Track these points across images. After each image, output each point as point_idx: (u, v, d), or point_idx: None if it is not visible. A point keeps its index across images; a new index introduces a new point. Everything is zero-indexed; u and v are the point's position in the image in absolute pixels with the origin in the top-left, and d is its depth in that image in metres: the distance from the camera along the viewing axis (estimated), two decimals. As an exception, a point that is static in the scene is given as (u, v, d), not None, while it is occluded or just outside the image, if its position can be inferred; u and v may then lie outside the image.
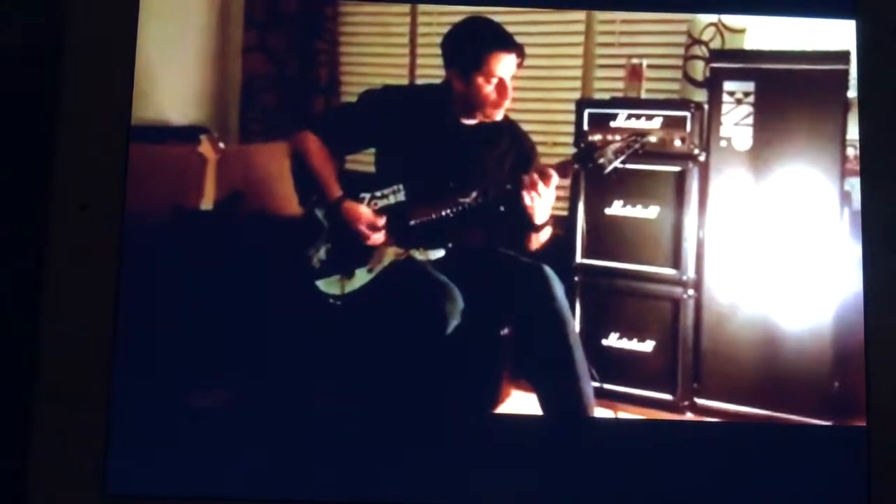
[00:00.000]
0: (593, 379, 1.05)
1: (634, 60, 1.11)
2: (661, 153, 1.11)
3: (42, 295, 0.95)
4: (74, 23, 0.99)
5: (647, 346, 1.10)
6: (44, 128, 0.98)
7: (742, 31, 1.10)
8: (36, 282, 0.96)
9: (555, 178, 1.10)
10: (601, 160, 1.09)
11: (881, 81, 1.03)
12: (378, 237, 1.11)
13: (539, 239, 1.12)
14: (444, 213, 1.11)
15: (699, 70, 1.11)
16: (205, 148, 1.06)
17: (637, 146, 1.09)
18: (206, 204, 1.05)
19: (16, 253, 1.00)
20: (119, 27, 1.00)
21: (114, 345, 0.96)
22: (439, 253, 1.10)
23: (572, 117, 1.13)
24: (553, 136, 1.14)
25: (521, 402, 1.05)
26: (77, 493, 0.94)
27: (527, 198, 1.10)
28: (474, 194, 1.10)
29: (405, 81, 1.12)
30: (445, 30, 1.09)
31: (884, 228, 0.99)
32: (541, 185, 1.09)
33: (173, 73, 1.05)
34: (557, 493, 0.97)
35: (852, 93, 1.05)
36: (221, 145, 1.06)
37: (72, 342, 0.95)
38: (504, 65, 1.10)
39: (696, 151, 1.11)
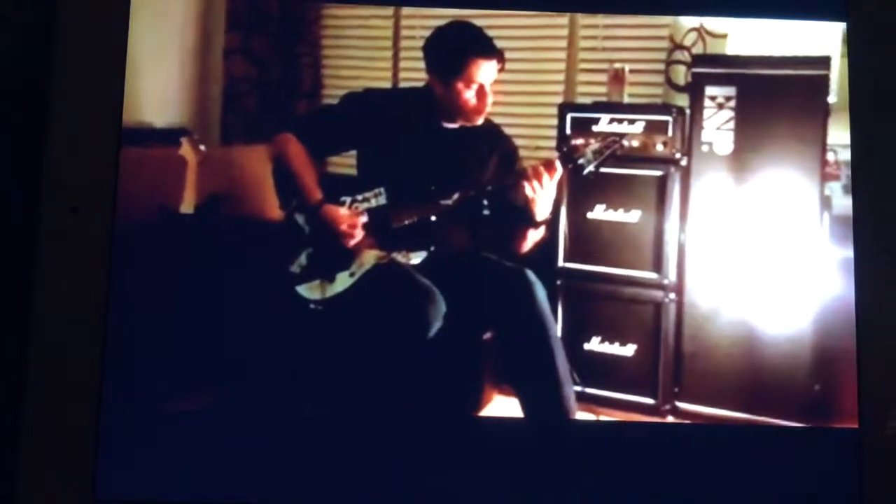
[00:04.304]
0: (575, 383, 1.05)
1: (617, 65, 1.11)
2: (642, 157, 1.12)
3: (32, 298, 0.95)
4: (64, 25, 0.99)
5: (629, 349, 1.10)
6: (34, 130, 0.98)
7: (724, 36, 1.10)
8: (26, 284, 0.96)
9: (559, 171, 1.09)
10: (581, 160, 1.09)
11: (871, 83, 1.03)
12: (359, 240, 1.10)
13: (534, 238, 1.11)
14: (425, 216, 1.10)
15: (681, 75, 1.12)
16: (185, 150, 1.06)
17: (616, 147, 1.09)
18: (187, 207, 1.04)
19: (6, 255, 0.99)
20: (109, 30, 1.00)
21: (103, 350, 0.96)
22: (421, 256, 1.10)
23: (555, 121, 1.13)
24: (536, 140, 1.14)
25: (503, 406, 1.05)
26: (66, 498, 0.94)
27: (528, 189, 1.09)
28: (456, 196, 1.10)
29: (388, 84, 1.12)
30: (429, 33, 1.09)
31: (873, 230, 1.00)
32: (546, 176, 1.09)
33: (155, 76, 1.05)
34: (540, 495, 0.97)
35: (833, 98, 1.06)
36: (202, 147, 1.06)
37: (61, 346, 0.95)
38: (484, 71, 1.10)
39: (678, 156, 1.11)
